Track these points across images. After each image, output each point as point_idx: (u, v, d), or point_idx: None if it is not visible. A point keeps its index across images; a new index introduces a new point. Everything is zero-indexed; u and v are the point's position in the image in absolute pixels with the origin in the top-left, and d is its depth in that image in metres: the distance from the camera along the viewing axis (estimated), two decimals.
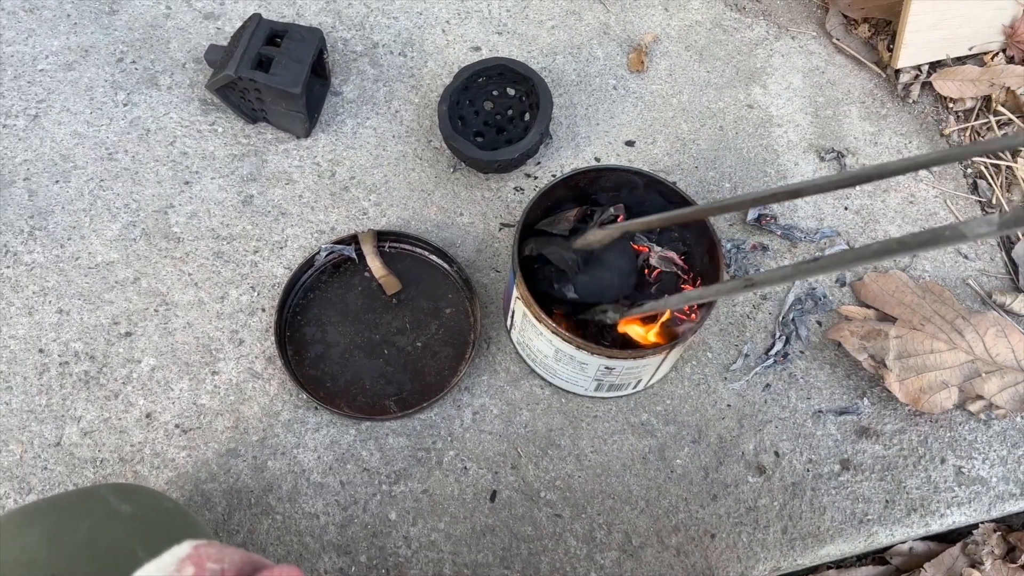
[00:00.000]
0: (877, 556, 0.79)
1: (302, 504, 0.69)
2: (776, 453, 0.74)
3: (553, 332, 0.67)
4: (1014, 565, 0.77)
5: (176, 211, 0.80)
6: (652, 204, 0.77)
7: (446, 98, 0.82)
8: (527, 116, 0.84)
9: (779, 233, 0.83)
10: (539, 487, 0.71)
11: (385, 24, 0.92)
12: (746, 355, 0.78)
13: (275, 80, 0.78)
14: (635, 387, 0.74)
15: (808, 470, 0.74)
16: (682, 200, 0.74)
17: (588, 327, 0.73)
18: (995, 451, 0.76)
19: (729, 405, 0.76)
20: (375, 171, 0.83)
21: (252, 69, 0.78)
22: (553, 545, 0.69)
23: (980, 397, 0.76)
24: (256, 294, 0.77)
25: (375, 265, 0.77)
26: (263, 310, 0.76)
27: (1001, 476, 0.75)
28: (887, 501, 0.73)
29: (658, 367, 0.71)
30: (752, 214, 0.84)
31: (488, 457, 0.72)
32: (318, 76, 0.85)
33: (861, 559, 0.79)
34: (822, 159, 0.88)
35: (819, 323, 0.80)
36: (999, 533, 0.78)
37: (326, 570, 0.67)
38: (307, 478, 0.70)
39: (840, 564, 0.78)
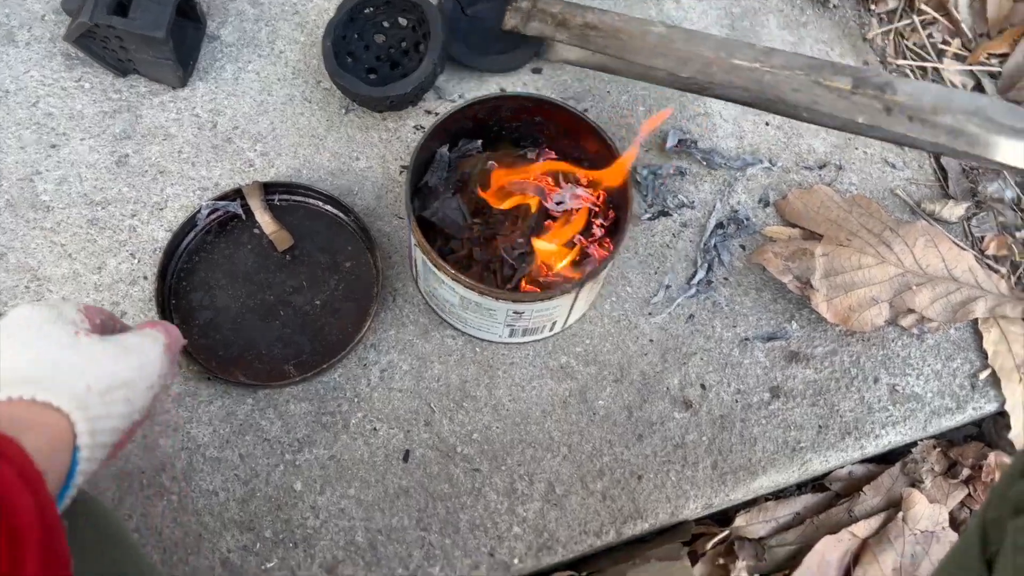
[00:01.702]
0: (817, 483, 0.77)
1: (199, 482, 0.64)
2: (703, 386, 0.71)
3: (454, 280, 0.62)
4: (955, 480, 0.75)
5: (43, 178, 0.73)
6: (557, 133, 0.72)
7: (330, 33, 0.75)
8: (422, 47, 0.78)
9: (699, 157, 0.78)
10: (455, 442, 0.67)
11: None
12: (667, 286, 0.74)
13: (135, 24, 0.70)
14: (551, 329, 0.70)
15: (737, 401, 0.70)
16: (589, 129, 0.69)
17: (493, 271, 0.68)
18: (929, 366, 0.73)
19: (652, 340, 0.72)
20: (260, 119, 0.77)
21: (109, 14, 0.70)
22: (472, 501, 0.66)
23: (911, 311, 0.73)
24: (136, 261, 0.71)
25: (264, 220, 0.71)
26: (145, 278, 0.70)
27: (936, 391, 0.72)
28: (820, 426, 0.70)
29: (571, 307, 0.67)
30: (672, 139, 0.79)
31: (399, 416, 0.68)
32: (189, 19, 0.77)
33: (801, 487, 0.77)
34: None
35: (743, 247, 0.76)
36: (939, 449, 0.76)
37: (229, 549, 0.63)
38: (203, 454, 0.65)
39: (779, 494, 0.76)
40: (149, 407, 0.49)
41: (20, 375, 0.44)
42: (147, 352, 0.50)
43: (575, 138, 0.70)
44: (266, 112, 0.77)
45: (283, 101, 0.78)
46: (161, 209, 0.73)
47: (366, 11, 0.77)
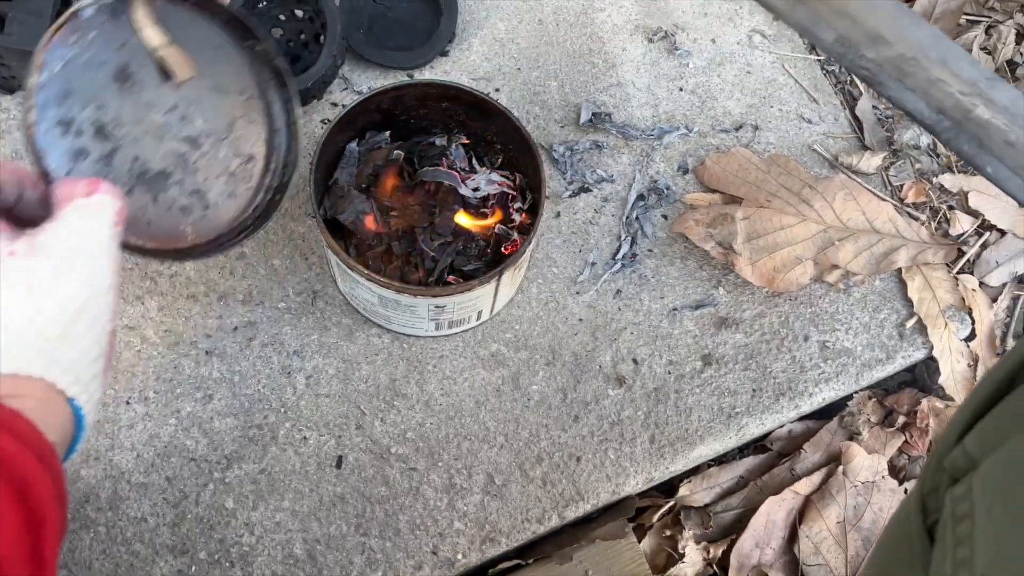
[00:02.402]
0: (759, 445, 0.77)
1: (126, 510, 0.62)
2: (634, 360, 0.70)
3: (369, 279, 0.61)
4: (891, 429, 0.76)
5: None
6: (468, 117, 0.70)
7: None
8: (322, 39, 0.75)
9: (615, 131, 0.77)
10: (388, 443, 0.66)
11: None
12: (593, 263, 0.73)
13: (12, 40, 0.67)
14: (478, 319, 0.69)
15: (669, 372, 0.70)
16: (497, 111, 0.68)
17: (415, 264, 0.67)
18: (857, 319, 0.74)
19: (581, 319, 0.71)
20: None
21: None
22: (411, 501, 0.65)
23: (836, 266, 0.73)
24: None
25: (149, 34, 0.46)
26: None
27: (866, 343, 0.73)
28: (754, 390, 0.70)
29: (495, 295, 0.66)
30: (585, 113, 0.77)
31: (329, 422, 0.66)
32: None
33: (743, 450, 0.77)
34: (650, 40, 0.82)
35: (665, 217, 0.75)
36: (874, 400, 0.77)
37: (163, 575, 0.61)
38: (127, 480, 0.63)
39: (721, 460, 0.76)
40: (115, 306, 0.43)
41: None
42: (93, 246, 0.41)
43: (485, 120, 0.69)
44: None
45: None
46: None
47: (260, 5, 0.74)
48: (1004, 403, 0.36)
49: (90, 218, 0.42)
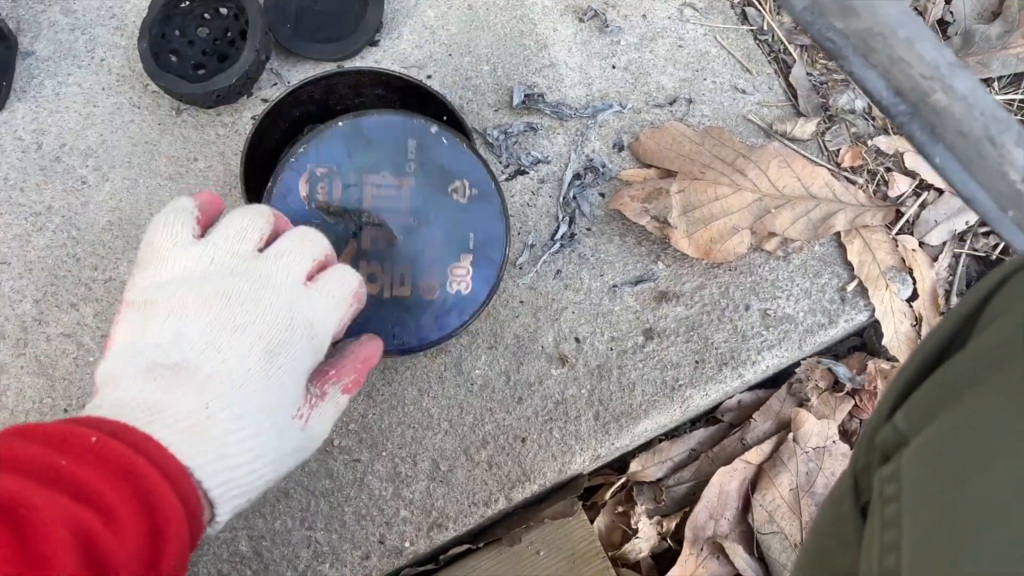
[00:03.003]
0: (710, 417, 0.77)
1: None
2: (576, 339, 0.70)
3: None
4: (840, 393, 0.76)
5: None
6: (403, 104, 0.70)
7: (145, 33, 0.72)
8: (248, 36, 0.75)
9: (548, 112, 0.77)
10: (331, 435, 0.66)
11: None
12: (532, 245, 0.73)
13: None
14: None
15: (611, 349, 0.70)
16: (431, 96, 0.68)
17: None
18: (798, 285, 0.74)
19: (522, 302, 0.71)
20: (88, 132, 0.73)
21: None
22: (356, 493, 0.64)
23: (773, 234, 0.73)
24: None
25: None
26: None
27: (808, 309, 0.73)
28: (696, 361, 0.70)
29: None
30: (518, 95, 0.77)
31: None
32: None
33: (694, 423, 0.77)
34: (581, 20, 0.81)
35: (602, 195, 0.75)
36: (822, 366, 0.77)
37: None
38: None
39: (672, 434, 0.76)
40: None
41: (214, 447, 0.41)
42: (321, 440, 0.48)
43: (421, 107, 0.68)
44: (93, 124, 0.74)
45: (110, 111, 0.74)
46: None
47: (182, 5, 0.74)
48: (934, 376, 0.34)
49: (335, 412, 0.48)
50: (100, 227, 0.70)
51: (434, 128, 0.59)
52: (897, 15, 0.50)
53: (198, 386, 0.41)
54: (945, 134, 0.51)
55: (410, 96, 0.69)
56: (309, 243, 0.48)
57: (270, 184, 0.57)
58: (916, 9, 0.83)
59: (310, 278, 0.48)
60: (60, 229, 0.70)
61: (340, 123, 0.58)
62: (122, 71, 0.76)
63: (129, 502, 0.36)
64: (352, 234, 0.58)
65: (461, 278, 0.59)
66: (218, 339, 0.43)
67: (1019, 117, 0.81)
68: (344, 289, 0.48)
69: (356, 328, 0.52)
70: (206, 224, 0.49)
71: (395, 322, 0.58)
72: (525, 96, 0.77)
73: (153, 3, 0.72)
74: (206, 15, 0.75)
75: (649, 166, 0.75)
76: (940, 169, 0.51)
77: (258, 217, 0.48)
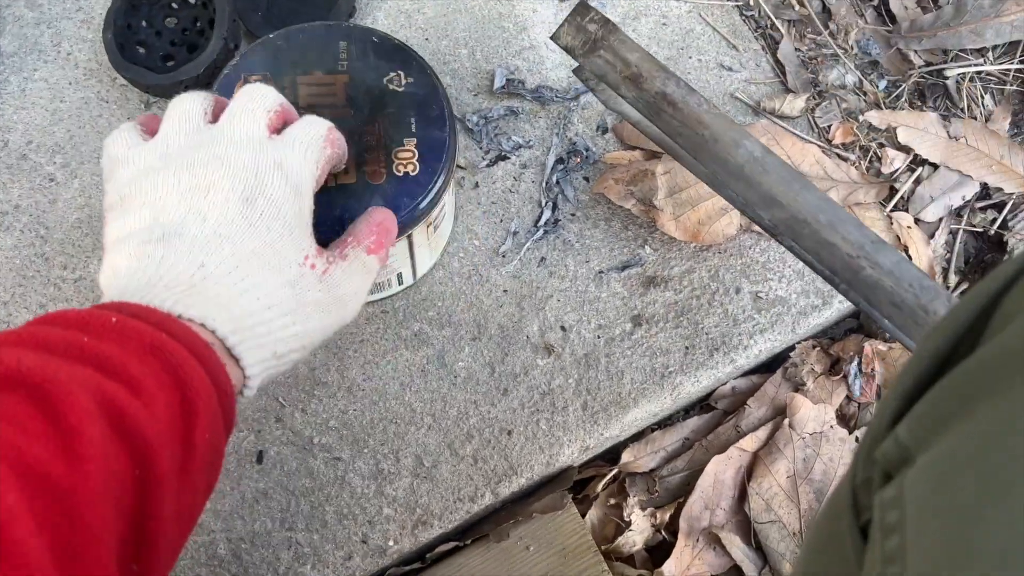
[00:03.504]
0: (703, 405, 0.75)
1: None
2: (562, 328, 0.68)
3: None
4: (836, 377, 0.74)
5: None
6: None
7: (110, 24, 0.70)
8: (215, 24, 0.72)
9: (529, 97, 0.75)
10: (311, 433, 0.64)
11: None
12: (515, 232, 0.71)
13: None
14: (400, 283, 0.66)
15: (599, 336, 0.68)
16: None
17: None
18: (790, 267, 0.71)
19: (506, 291, 0.69)
20: (55, 129, 0.71)
21: None
22: (337, 491, 0.62)
23: None
24: None
25: None
26: None
27: (800, 291, 0.71)
28: (687, 347, 0.68)
29: (411, 256, 0.63)
30: (499, 80, 0.75)
31: (247, 417, 0.64)
32: None
33: (688, 411, 0.75)
34: (562, 0, 0.79)
35: (586, 179, 0.73)
36: (818, 349, 0.75)
37: None
38: None
39: (665, 423, 0.74)
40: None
41: (228, 303, 0.42)
42: (354, 302, 0.49)
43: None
44: (61, 120, 0.72)
45: (78, 106, 0.72)
46: None
47: None
48: (942, 383, 0.29)
49: (364, 274, 0.49)
50: (69, 225, 0.68)
51: (364, 28, 0.62)
52: (816, 203, 0.55)
53: (187, 248, 0.42)
54: (881, 306, 0.54)
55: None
56: (259, 96, 0.48)
57: None
58: None
59: (276, 132, 0.48)
60: (28, 228, 0.68)
61: (272, 35, 0.60)
62: (89, 65, 0.74)
63: (156, 375, 0.36)
64: None
65: (407, 160, 0.59)
66: (193, 203, 0.44)
67: (1015, 87, 0.78)
68: (311, 134, 0.48)
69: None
70: (152, 132, 0.50)
71: (344, 209, 0.57)
72: (506, 80, 0.75)
73: None
74: (174, 4, 0.73)
75: (634, 148, 0.73)
76: (889, 331, 0.55)
77: (195, 97, 0.49)
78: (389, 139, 0.58)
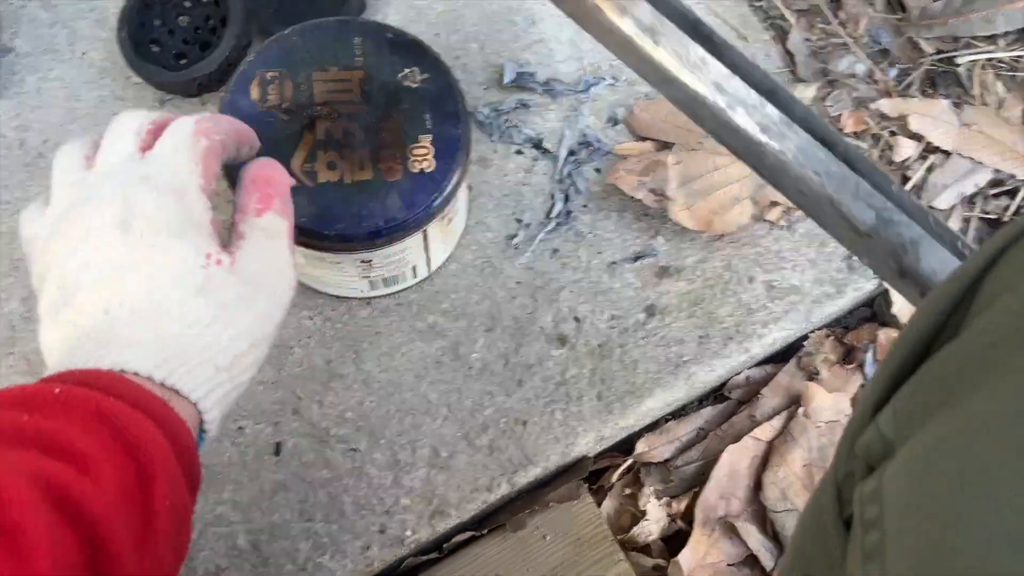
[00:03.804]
0: (718, 394, 0.75)
1: None
2: (576, 319, 0.68)
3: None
4: (851, 366, 0.74)
5: None
6: None
7: (124, 23, 0.71)
8: (228, 22, 0.73)
9: (539, 90, 0.75)
10: (327, 425, 0.64)
11: None
12: (527, 224, 0.71)
13: None
14: (415, 276, 0.67)
15: (612, 327, 0.68)
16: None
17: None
18: (803, 255, 0.71)
19: (519, 282, 0.69)
20: (72, 127, 0.72)
21: None
22: (354, 482, 0.63)
23: (775, 203, 0.71)
24: None
25: None
26: None
27: (814, 279, 0.71)
28: (701, 337, 0.68)
29: (426, 248, 0.63)
30: (509, 73, 0.75)
31: (264, 410, 0.64)
32: None
33: (702, 401, 0.75)
34: None
35: (598, 170, 0.73)
36: (832, 338, 0.75)
37: None
38: None
39: (680, 412, 0.74)
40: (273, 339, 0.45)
41: (141, 337, 0.39)
42: (280, 276, 0.44)
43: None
44: (77, 119, 0.72)
45: (94, 104, 0.73)
46: None
47: None
48: (923, 370, 0.28)
49: (269, 239, 0.44)
50: None
51: (377, 24, 0.63)
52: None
53: (89, 301, 0.40)
54: (788, 192, 0.50)
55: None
56: (126, 121, 0.46)
57: (223, 93, 0.60)
58: None
59: (150, 149, 0.45)
60: None
61: (287, 31, 0.61)
62: (104, 64, 0.75)
63: (104, 444, 0.34)
64: (305, 127, 0.59)
65: (422, 157, 0.59)
66: (79, 255, 0.41)
67: None
68: (177, 133, 0.45)
69: (320, 209, 0.55)
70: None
71: (361, 205, 0.57)
72: (517, 74, 0.75)
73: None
74: (186, 3, 0.74)
75: (645, 139, 0.73)
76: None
77: (71, 147, 0.47)
78: (404, 135, 0.58)
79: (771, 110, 0.48)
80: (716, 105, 0.48)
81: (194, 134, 0.45)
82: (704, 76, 0.48)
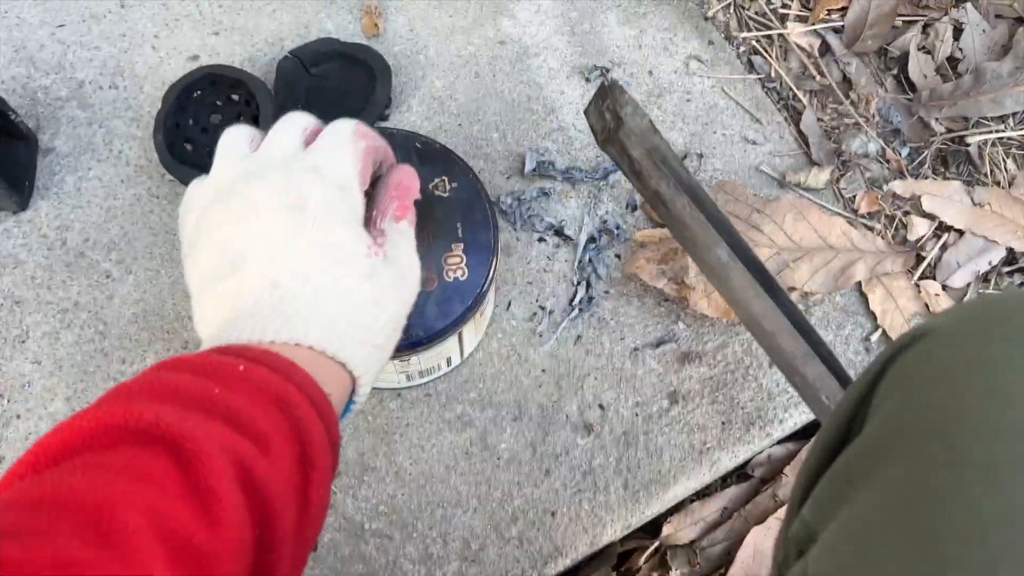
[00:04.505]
0: (741, 473, 0.76)
1: None
2: (601, 406, 0.70)
3: None
4: None
5: None
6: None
7: (160, 126, 0.73)
8: (260, 120, 0.76)
9: (560, 178, 0.77)
10: (362, 519, 0.66)
11: (87, 58, 0.82)
12: (551, 311, 0.73)
13: None
14: (449, 365, 0.69)
15: (637, 414, 0.70)
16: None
17: None
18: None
19: (544, 370, 0.71)
20: (110, 226, 0.75)
21: None
22: (388, 575, 0.65)
23: (792, 288, 0.72)
24: (7, 401, 0.68)
25: None
26: (18, 416, 0.68)
27: None
28: (723, 423, 0.70)
29: (460, 342, 0.65)
30: (530, 163, 0.78)
31: None
32: (15, 137, 0.75)
33: (725, 480, 0.77)
34: (587, 80, 0.82)
35: (618, 257, 0.75)
36: None
37: None
38: None
39: (704, 492, 0.76)
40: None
41: (312, 315, 0.42)
42: (414, 270, 0.48)
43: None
44: (115, 217, 0.75)
45: (131, 203, 0.76)
46: (23, 341, 0.70)
47: (195, 95, 0.75)
48: (833, 467, 0.33)
49: (405, 240, 0.49)
50: (126, 320, 0.71)
51: (406, 134, 0.64)
52: (762, 311, 0.61)
53: (257, 273, 0.42)
54: (811, 403, 0.62)
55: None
56: (293, 117, 0.50)
57: None
58: (925, 48, 0.83)
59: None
60: (87, 324, 0.71)
61: None
62: (140, 162, 0.78)
63: (281, 430, 0.36)
64: None
65: (456, 266, 0.61)
66: (249, 228, 0.44)
67: None
68: (340, 134, 0.48)
69: None
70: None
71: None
72: (537, 162, 0.77)
73: (167, 95, 0.74)
74: (218, 102, 0.77)
75: (663, 225, 0.75)
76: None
77: (238, 129, 0.50)
78: (438, 245, 0.61)
79: (800, 342, 0.62)
80: (763, 328, 0.61)
81: (354, 134, 0.48)
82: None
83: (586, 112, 0.65)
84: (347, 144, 0.48)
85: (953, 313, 0.35)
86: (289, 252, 0.43)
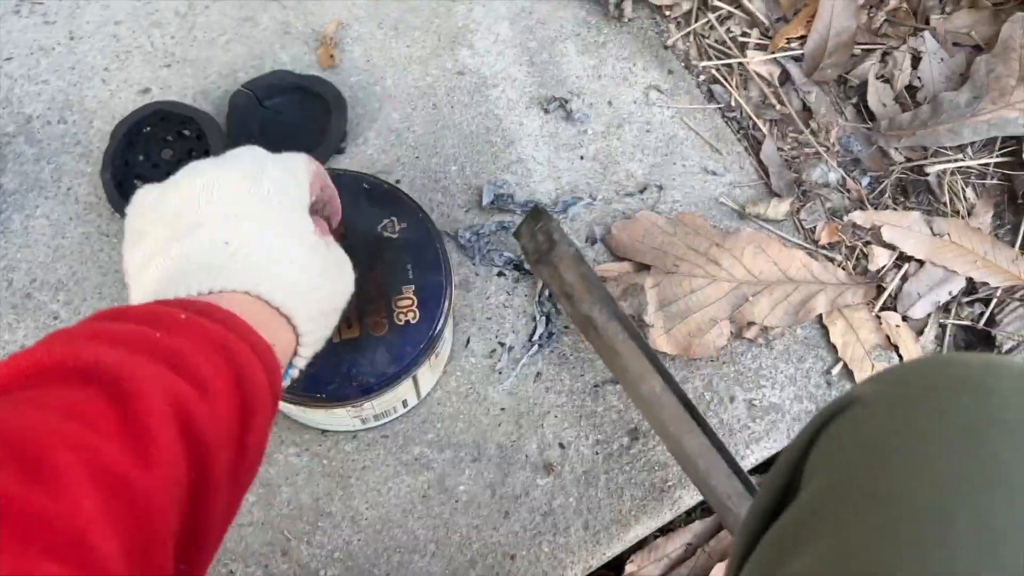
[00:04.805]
0: (705, 507, 0.76)
1: None
2: (561, 445, 0.69)
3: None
4: None
5: None
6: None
7: (107, 164, 0.72)
8: (210, 155, 0.74)
9: (519, 211, 0.76)
10: (317, 566, 0.65)
11: (35, 92, 0.80)
12: (510, 348, 0.72)
13: None
14: (405, 407, 0.67)
15: (597, 452, 0.69)
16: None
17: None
18: (782, 372, 0.73)
19: (503, 408, 0.70)
20: (58, 265, 0.73)
21: None
22: None
23: (752, 323, 0.72)
24: None
25: None
26: None
27: (793, 396, 0.72)
28: None
29: (415, 385, 0.64)
30: (487, 195, 0.77)
31: (253, 552, 0.65)
32: None
33: (689, 515, 0.76)
34: (546, 111, 0.81)
35: None
36: None
37: None
38: None
39: (667, 528, 0.75)
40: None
41: (263, 269, 0.43)
42: (347, 266, 0.51)
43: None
44: (63, 257, 0.73)
45: (79, 241, 0.74)
46: None
47: (144, 130, 0.74)
48: (767, 535, 0.34)
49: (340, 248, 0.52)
50: None
51: (353, 175, 0.64)
52: (698, 448, 0.62)
53: (208, 235, 0.43)
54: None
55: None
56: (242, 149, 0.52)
57: None
58: (883, 76, 0.83)
59: None
60: None
61: None
62: (89, 199, 0.76)
63: (221, 375, 0.37)
64: None
65: (407, 308, 0.60)
66: (203, 197, 0.45)
67: (995, 180, 0.80)
68: (294, 154, 0.51)
69: (312, 371, 0.54)
70: None
71: (351, 364, 0.58)
72: (495, 196, 0.76)
73: (115, 132, 0.72)
74: (168, 138, 0.75)
75: (623, 259, 0.75)
76: None
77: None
78: (388, 288, 0.60)
79: (735, 482, 0.62)
80: (696, 466, 0.63)
81: (306, 158, 0.51)
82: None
83: (516, 234, 0.66)
84: (300, 156, 0.51)
85: (882, 379, 0.35)
86: (243, 215, 0.44)
